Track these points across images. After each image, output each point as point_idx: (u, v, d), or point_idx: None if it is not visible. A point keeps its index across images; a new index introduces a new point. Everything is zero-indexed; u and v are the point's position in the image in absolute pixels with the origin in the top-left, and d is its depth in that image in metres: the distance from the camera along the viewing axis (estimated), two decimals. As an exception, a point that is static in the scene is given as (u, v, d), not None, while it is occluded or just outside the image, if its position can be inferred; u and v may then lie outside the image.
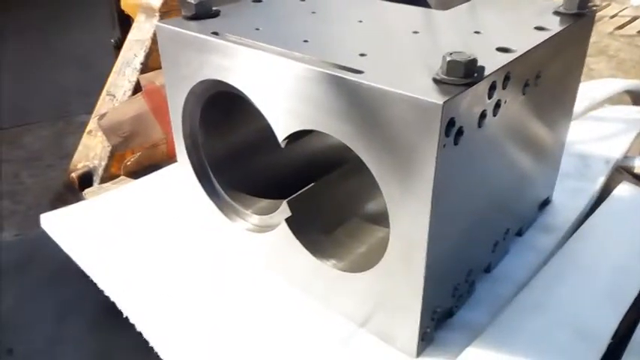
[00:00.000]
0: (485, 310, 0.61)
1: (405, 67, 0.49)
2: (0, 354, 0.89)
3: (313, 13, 0.67)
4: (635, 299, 0.63)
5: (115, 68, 1.10)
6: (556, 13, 0.64)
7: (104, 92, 1.09)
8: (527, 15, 0.64)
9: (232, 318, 0.62)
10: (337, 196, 0.69)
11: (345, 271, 0.58)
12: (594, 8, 0.66)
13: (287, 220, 0.62)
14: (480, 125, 0.48)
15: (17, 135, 1.88)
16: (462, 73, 0.44)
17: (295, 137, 0.57)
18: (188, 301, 0.65)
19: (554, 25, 0.60)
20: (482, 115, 0.48)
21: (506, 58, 0.49)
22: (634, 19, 2.80)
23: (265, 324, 0.61)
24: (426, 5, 0.77)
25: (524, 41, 0.54)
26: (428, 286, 0.51)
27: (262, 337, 0.59)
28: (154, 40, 1.07)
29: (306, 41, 0.56)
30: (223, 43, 0.57)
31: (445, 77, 0.44)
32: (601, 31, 2.64)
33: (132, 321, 0.62)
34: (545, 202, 0.80)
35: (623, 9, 2.97)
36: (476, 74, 0.45)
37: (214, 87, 0.63)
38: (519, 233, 0.74)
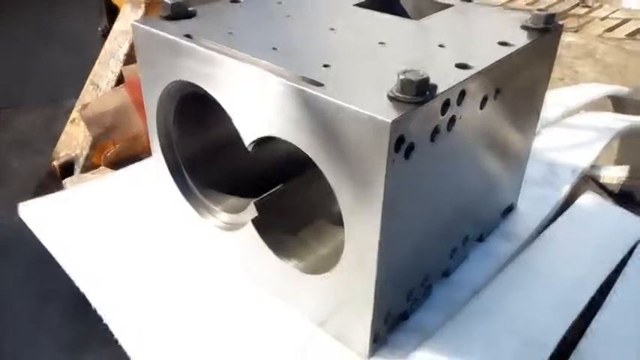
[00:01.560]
0: (439, 314, 0.64)
1: (364, 81, 0.50)
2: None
3: (288, 16, 0.68)
4: (585, 309, 0.65)
5: (100, 58, 1.11)
6: (523, 27, 0.66)
7: (88, 82, 1.10)
8: (494, 28, 0.66)
9: (196, 315, 0.64)
10: (305, 197, 0.71)
11: (305, 272, 0.61)
12: (560, 23, 0.67)
13: (253, 220, 0.64)
14: (433, 140, 0.50)
15: (7, 117, 1.88)
16: (414, 92, 0.45)
17: (264, 141, 0.59)
18: (156, 298, 0.67)
19: (519, 40, 0.61)
20: (436, 131, 0.50)
21: (462, 75, 0.51)
22: (624, 21, 2.81)
23: (227, 322, 0.63)
24: (403, 12, 0.79)
25: (485, 57, 0.56)
26: (380, 291, 0.53)
27: (223, 335, 0.62)
28: (138, 32, 1.08)
29: (274, 48, 0.58)
30: (193, 46, 0.58)
31: (398, 95, 0.46)
32: (590, 33, 2.65)
33: (100, 313, 0.64)
34: (509, 209, 0.82)
35: (614, 11, 2.98)
36: (428, 92, 0.47)
37: (186, 87, 0.65)
38: (480, 239, 0.76)
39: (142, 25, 0.64)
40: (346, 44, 0.60)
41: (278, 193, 0.68)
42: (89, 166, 0.98)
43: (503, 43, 0.60)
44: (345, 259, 0.54)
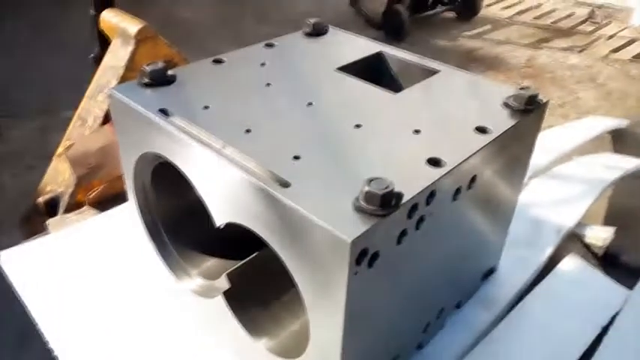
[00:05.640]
0: (408, 394, 0.64)
1: (332, 181, 0.50)
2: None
3: (268, 85, 0.67)
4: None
5: (88, 93, 1.10)
6: (505, 105, 0.65)
7: (75, 116, 1.09)
8: (474, 106, 0.65)
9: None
10: (279, 266, 0.70)
11: (275, 353, 0.60)
12: (545, 101, 0.66)
13: (225, 292, 0.64)
14: (399, 242, 0.49)
15: (3, 126, 1.88)
16: (379, 204, 0.45)
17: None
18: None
19: (497, 125, 0.60)
20: (403, 234, 0.49)
21: (432, 176, 0.51)
22: (631, 42, 2.78)
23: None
24: (387, 77, 0.78)
25: (459, 149, 0.55)
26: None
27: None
28: (128, 68, 1.08)
29: (248, 130, 0.57)
30: (165, 126, 0.58)
31: (363, 205, 0.45)
32: (595, 53, 2.62)
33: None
34: (490, 272, 0.82)
35: (623, 29, 2.95)
36: (394, 201, 0.46)
37: (161, 157, 0.64)
38: (458, 305, 0.76)
39: (118, 94, 0.63)
40: (321, 127, 0.59)
41: (251, 262, 0.68)
42: (74, 204, 0.98)
43: (481, 129, 0.59)
44: (310, 350, 0.54)
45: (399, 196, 0.47)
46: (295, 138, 0.57)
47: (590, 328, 0.74)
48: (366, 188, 0.45)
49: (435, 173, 0.51)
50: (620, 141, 1.55)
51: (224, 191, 0.54)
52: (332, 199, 0.47)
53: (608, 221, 1.14)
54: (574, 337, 0.72)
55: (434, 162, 0.53)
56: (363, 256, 0.45)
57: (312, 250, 0.47)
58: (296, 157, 0.53)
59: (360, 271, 0.46)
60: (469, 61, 2.52)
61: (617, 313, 0.77)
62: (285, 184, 0.49)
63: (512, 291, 0.80)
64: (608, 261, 0.91)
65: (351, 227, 0.44)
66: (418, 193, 0.48)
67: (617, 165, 1.18)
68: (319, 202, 0.46)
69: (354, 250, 0.43)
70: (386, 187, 0.45)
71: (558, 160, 1.15)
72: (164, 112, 0.60)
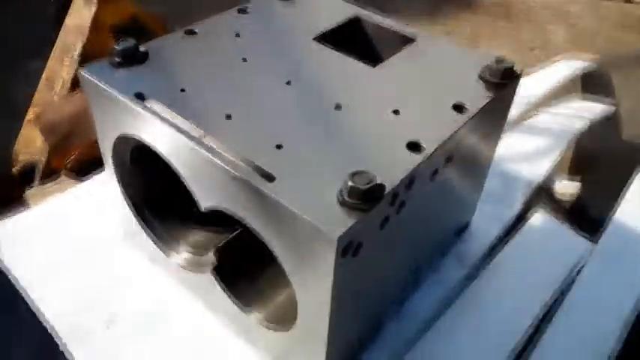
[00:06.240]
0: (386, 354, 0.68)
1: (316, 172, 0.51)
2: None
3: (244, 60, 0.66)
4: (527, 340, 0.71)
5: (54, 53, 1.05)
6: (481, 78, 0.65)
7: (43, 78, 1.04)
8: (451, 81, 0.65)
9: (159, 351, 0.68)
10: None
11: (264, 324, 0.64)
12: (519, 72, 0.67)
13: (213, 269, 0.66)
14: (382, 228, 0.52)
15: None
16: (362, 198, 0.46)
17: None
18: (120, 333, 0.69)
19: (474, 101, 0.61)
20: (385, 220, 0.51)
21: (412, 162, 0.52)
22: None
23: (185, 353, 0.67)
24: (365, 46, 0.77)
25: (438, 131, 0.56)
26: (331, 349, 0.57)
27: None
28: (92, 29, 1.02)
29: (229, 117, 0.57)
30: (144, 113, 0.57)
31: (347, 199, 0.47)
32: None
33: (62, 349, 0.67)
34: (464, 227, 0.85)
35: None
36: (377, 194, 0.48)
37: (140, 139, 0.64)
38: (434, 262, 0.80)
39: (91, 77, 0.61)
40: (302, 109, 0.59)
41: (238, 236, 0.70)
42: (49, 172, 0.97)
43: (458, 108, 0.60)
44: (299, 326, 0.57)
45: (382, 187, 0.48)
46: (276, 123, 0.57)
47: (557, 281, 0.80)
48: (350, 183, 0.46)
49: (415, 159, 0.53)
50: (589, 81, 1.58)
51: (208, 180, 0.55)
52: (316, 193, 0.48)
53: (574, 168, 1.18)
54: (541, 290, 0.78)
55: (413, 146, 0.54)
56: (349, 248, 0.47)
57: (299, 242, 0.48)
58: (278, 147, 0.53)
59: (346, 261, 0.48)
60: (440, 2, 2.46)
61: (582, 266, 0.82)
62: (269, 178, 0.50)
63: (484, 247, 0.84)
64: (576, 213, 0.96)
65: (336, 223, 0.45)
66: (399, 183, 0.50)
67: (583, 114, 1.21)
68: (304, 196, 0.48)
69: (340, 245, 0.45)
70: (369, 182, 0.47)
71: (528, 110, 1.17)
72: (140, 96, 0.59)
